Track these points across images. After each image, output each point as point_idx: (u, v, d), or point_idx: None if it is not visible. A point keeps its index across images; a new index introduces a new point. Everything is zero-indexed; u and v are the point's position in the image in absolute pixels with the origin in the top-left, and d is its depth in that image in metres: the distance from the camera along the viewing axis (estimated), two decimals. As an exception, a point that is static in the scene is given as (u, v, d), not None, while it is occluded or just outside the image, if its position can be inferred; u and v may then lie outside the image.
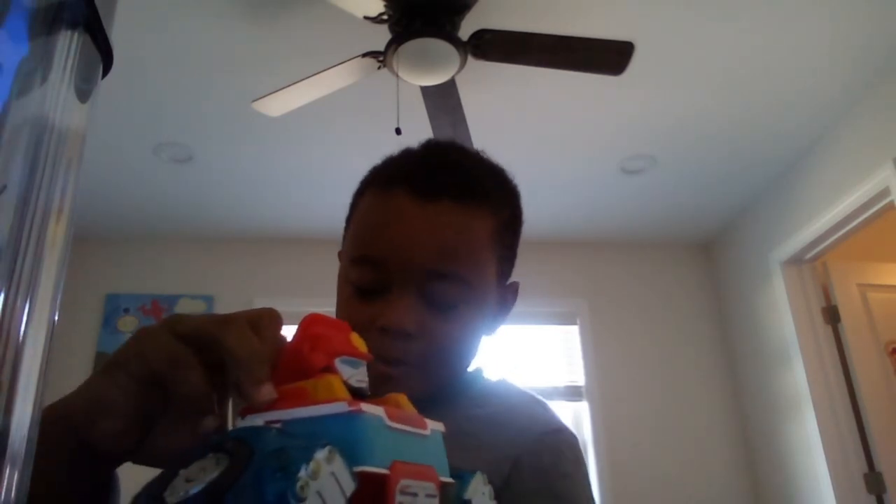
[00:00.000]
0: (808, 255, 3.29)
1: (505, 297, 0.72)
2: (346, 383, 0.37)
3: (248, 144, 3.06)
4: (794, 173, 3.28)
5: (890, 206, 2.74)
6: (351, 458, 0.31)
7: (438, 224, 0.64)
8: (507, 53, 2.24)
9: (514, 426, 0.65)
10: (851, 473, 3.00)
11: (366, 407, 0.34)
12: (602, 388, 3.74)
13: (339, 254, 0.71)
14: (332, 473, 0.30)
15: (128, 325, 3.69)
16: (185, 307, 3.75)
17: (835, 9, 2.32)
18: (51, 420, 0.35)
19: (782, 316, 3.34)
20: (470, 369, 0.72)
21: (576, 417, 3.69)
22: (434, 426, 0.38)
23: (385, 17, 2.12)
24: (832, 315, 3.26)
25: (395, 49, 2.12)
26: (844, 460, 3.03)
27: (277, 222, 3.78)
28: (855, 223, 2.95)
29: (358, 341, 0.41)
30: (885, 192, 2.68)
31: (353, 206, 0.72)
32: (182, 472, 0.32)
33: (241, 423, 0.36)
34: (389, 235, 0.64)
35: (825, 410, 3.10)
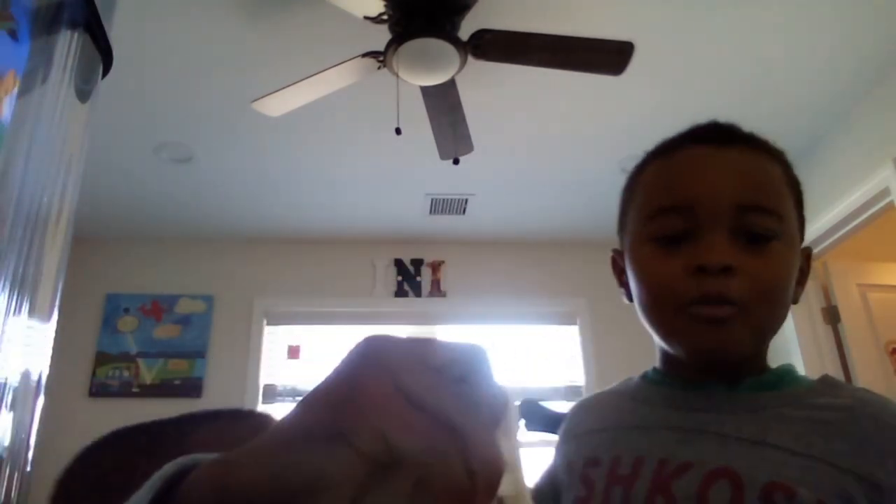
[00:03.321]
0: (808, 255, 3.29)
1: (804, 260, 0.70)
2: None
3: (248, 144, 3.06)
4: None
5: (890, 206, 2.73)
6: None
7: (741, 163, 0.67)
8: (507, 53, 2.24)
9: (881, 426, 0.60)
10: (851, 473, 3.00)
11: None
12: (602, 388, 3.73)
13: (623, 234, 0.75)
14: None
15: (128, 325, 3.68)
16: (185, 307, 3.75)
17: (835, 9, 2.32)
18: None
19: (782, 316, 3.34)
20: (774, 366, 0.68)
21: (576, 417, 3.70)
22: None
23: (385, 17, 2.12)
24: (832, 315, 3.26)
25: (395, 49, 2.12)
26: (844, 460, 3.02)
27: (277, 222, 3.78)
28: (855, 223, 2.95)
29: None
30: (885, 192, 2.68)
31: (633, 183, 0.74)
32: None
33: None
34: (692, 182, 0.66)
35: (825, 410, 3.10)
